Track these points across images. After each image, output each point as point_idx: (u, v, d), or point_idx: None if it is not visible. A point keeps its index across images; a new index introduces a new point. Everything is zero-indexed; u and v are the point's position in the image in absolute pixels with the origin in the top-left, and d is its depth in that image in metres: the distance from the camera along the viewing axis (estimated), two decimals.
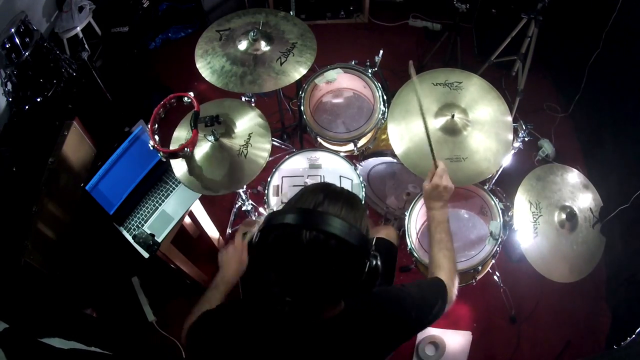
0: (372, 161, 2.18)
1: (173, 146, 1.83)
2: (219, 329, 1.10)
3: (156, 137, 1.68)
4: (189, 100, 1.72)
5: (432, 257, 1.35)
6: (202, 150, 1.80)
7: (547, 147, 2.81)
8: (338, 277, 0.90)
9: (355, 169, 2.02)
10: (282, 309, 0.97)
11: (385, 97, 2.11)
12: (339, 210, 0.91)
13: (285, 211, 0.91)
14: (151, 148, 1.68)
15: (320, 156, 2.06)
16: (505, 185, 2.29)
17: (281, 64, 1.93)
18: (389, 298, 1.14)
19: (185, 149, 1.69)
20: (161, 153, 1.70)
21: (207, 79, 1.92)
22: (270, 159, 1.82)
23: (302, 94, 2.15)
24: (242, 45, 1.98)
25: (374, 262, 0.91)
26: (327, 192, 0.94)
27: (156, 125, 1.71)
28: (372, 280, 0.92)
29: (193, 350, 1.13)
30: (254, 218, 2.37)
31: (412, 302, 1.14)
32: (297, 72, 1.92)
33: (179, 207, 2.09)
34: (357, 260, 0.90)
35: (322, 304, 0.98)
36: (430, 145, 1.48)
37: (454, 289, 1.27)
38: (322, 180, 1.99)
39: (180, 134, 1.86)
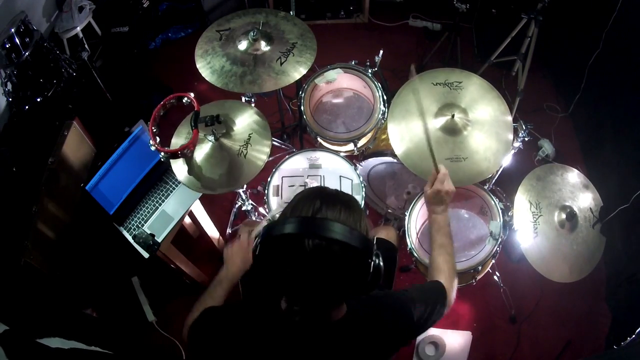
0: (372, 161, 2.19)
1: (173, 146, 1.84)
2: (224, 329, 1.10)
3: (157, 138, 1.69)
4: (189, 100, 1.72)
5: (433, 261, 1.36)
6: (202, 150, 1.80)
7: (547, 147, 2.81)
8: (344, 280, 0.90)
9: (355, 169, 2.02)
10: (293, 318, 0.97)
11: (385, 97, 2.11)
12: (337, 214, 0.90)
13: (284, 221, 0.90)
14: (152, 149, 1.68)
15: (320, 156, 2.06)
16: (505, 185, 2.29)
17: (281, 64, 1.93)
18: (391, 302, 1.15)
19: (186, 149, 1.70)
20: (162, 154, 1.70)
21: (207, 78, 1.92)
22: (270, 159, 1.82)
23: (302, 94, 2.15)
24: (242, 45, 1.98)
25: (377, 262, 0.92)
26: (323, 197, 0.93)
27: (156, 126, 1.70)
28: (376, 279, 0.92)
29: (195, 347, 1.12)
30: (254, 218, 2.37)
31: (413, 306, 1.15)
32: (297, 72, 1.92)
33: (179, 207, 2.08)
34: (361, 262, 0.90)
35: (329, 308, 0.98)
36: (431, 150, 1.43)
37: (452, 292, 1.28)
38: (322, 181, 1.99)
39: (180, 135, 1.86)
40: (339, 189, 0.99)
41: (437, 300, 1.21)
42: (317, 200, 0.92)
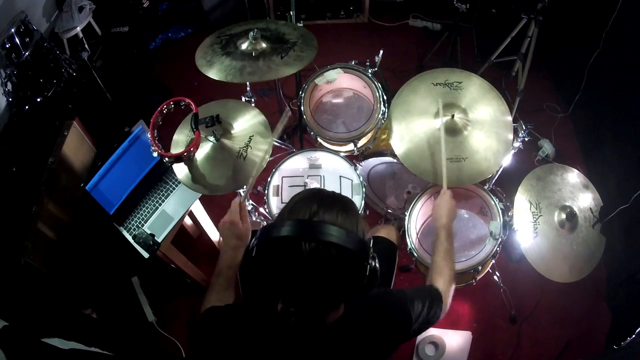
0: (372, 161, 2.18)
1: (174, 144, 1.83)
2: (222, 330, 1.10)
3: (159, 144, 1.69)
4: (186, 104, 1.72)
5: (436, 265, 1.38)
6: (203, 151, 1.80)
7: (547, 147, 2.81)
8: (340, 283, 0.91)
9: (355, 169, 2.02)
10: (288, 320, 0.98)
11: (385, 97, 2.11)
12: (334, 218, 0.90)
13: (281, 223, 0.90)
14: (155, 155, 1.68)
15: (320, 156, 2.06)
16: (505, 185, 2.29)
17: (282, 57, 1.92)
18: (389, 301, 1.15)
19: (189, 151, 1.70)
20: (166, 158, 1.70)
21: (205, 72, 1.90)
22: (271, 159, 1.82)
23: (302, 94, 2.15)
24: (243, 46, 1.97)
25: (374, 264, 0.92)
26: (320, 200, 0.93)
27: (156, 131, 1.71)
28: (372, 281, 0.93)
29: (196, 348, 1.13)
30: (254, 218, 2.37)
31: (411, 304, 1.15)
32: (298, 64, 1.90)
33: (179, 207, 2.08)
34: (357, 265, 0.90)
35: (325, 310, 0.99)
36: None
37: (449, 298, 1.31)
38: (322, 181, 1.99)
39: (181, 135, 1.86)
40: (335, 191, 0.99)
41: (433, 302, 1.22)
42: (314, 203, 0.92)
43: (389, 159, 2.09)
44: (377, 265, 0.93)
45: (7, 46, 2.25)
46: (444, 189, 1.59)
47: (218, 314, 1.17)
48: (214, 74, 1.90)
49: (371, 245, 0.94)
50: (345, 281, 0.91)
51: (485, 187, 2.00)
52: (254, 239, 0.95)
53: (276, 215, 1.91)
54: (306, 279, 0.88)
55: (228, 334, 1.09)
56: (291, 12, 2.15)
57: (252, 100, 2.03)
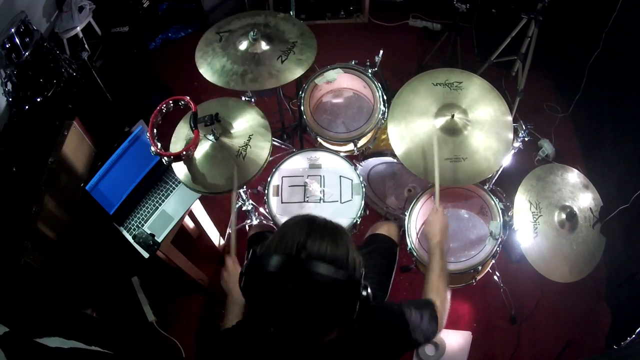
0: (372, 161, 2.19)
1: (173, 145, 1.83)
2: (223, 353, 1.12)
3: (158, 143, 1.69)
4: (185, 103, 1.72)
5: (432, 283, 1.37)
6: (202, 150, 1.80)
7: (547, 147, 2.81)
8: (328, 317, 0.90)
9: (355, 169, 2.02)
10: (278, 343, 0.98)
11: (385, 97, 2.11)
12: (324, 249, 0.87)
13: (268, 255, 0.88)
14: (154, 154, 1.68)
15: (320, 156, 2.06)
16: (505, 185, 2.29)
17: (282, 62, 1.93)
18: (385, 313, 1.16)
19: (188, 150, 1.70)
20: (165, 158, 1.70)
21: (208, 79, 1.92)
22: (271, 158, 1.82)
23: (302, 94, 2.15)
24: (243, 46, 1.97)
25: (365, 294, 0.91)
26: (309, 230, 0.90)
27: (155, 131, 1.71)
28: (364, 311, 0.92)
29: None
30: (254, 218, 2.37)
31: (408, 316, 1.15)
32: (298, 70, 1.92)
33: (179, 207, 2.09)
34: (346, 300, 0.89)
35: (317, 337, 0.97)
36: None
37: (444, 317, 1.29)
38: (322, 181, 1.99)
39: (179, 136, 1.86)
40: (327, 218, 0.96)
41: (430, 313, 1.21)
42: (302, 234, 0.89)
43: (389, 159, 2.09)
44: (370, 293, 0.91)
45: (7, 46, 2.26)
46: (436, 206, 1.59)
47: (217, 338, 1.19)
48: (215, 79, 1.90)
49: (362, 275, 0.93)
50: (334, 315, 0.90)
51: (485, 187, 2.00)
52: (243, 268, 0.94)
53: (275, 215, 1.91)
54: (291, 313, 0.88)
55: (227, 356, 1.11)
56: (291, 12, 2.16)
57: (252, 100, 2.04)
